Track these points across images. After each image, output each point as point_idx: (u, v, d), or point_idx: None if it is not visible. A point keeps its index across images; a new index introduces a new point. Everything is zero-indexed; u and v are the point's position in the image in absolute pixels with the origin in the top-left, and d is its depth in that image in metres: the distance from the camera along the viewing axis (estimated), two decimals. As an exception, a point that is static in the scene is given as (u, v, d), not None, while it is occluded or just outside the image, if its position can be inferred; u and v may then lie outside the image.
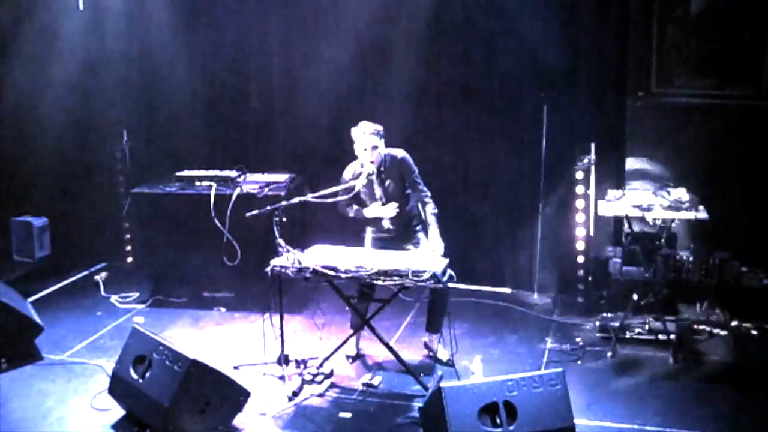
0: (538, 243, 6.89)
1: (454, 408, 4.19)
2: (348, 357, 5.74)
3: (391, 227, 5.60)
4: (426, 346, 5.76)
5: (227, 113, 7.62)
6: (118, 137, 7.58)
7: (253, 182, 6.70)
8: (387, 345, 5.48)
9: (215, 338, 6.18)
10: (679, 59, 6.49)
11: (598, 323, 6.14)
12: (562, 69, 6.60)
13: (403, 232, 5.64)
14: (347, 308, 5.66)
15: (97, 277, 7.37)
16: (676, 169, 6.55)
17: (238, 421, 4.82)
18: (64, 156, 7.84)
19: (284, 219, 5.40)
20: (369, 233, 5.72)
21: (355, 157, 5.60)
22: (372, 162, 5.47)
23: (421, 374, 5.38)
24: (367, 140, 5.44)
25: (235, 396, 4.77)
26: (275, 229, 5.23)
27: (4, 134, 7.73)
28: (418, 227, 5.70)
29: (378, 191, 5.56)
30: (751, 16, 6.25)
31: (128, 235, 7.72)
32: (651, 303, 5.95)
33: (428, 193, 5.61)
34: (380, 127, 5.50)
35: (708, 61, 6.42)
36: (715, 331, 6.03)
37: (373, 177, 5.50)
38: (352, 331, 5.66)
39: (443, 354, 5.63)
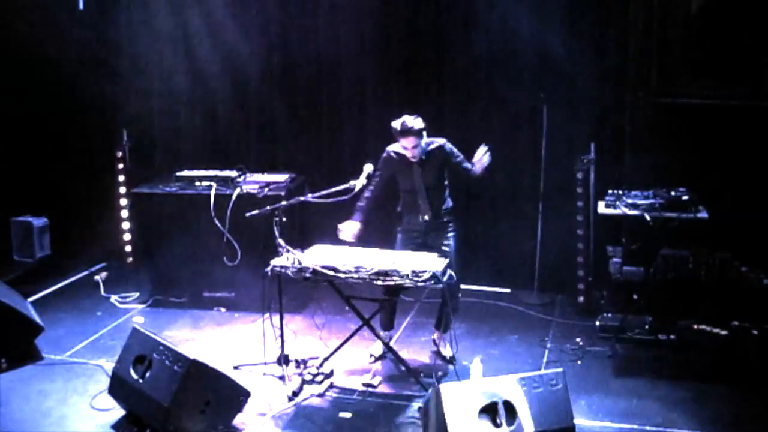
0: (538, 243, 6.88)
1: (454, 408, 4.20)
2: (371, 356, 5.74)
3: (426, 219, 5.56)
4: (434, 341, 5.83)
5: (227, 113, 7.62)
6: (118, 137, 7.58)
7: (253, 182, 6.69)
8: (387, 345, 5.49)
9: (215, 338, 6.18)
10: (679, 59, 6.48)
11: (598, 323, 6.14)
12: (562, 69, 6.61)
13: (437, 224, 5.57)
14: (347, 308, 5.65)
15: (97, 277, 7.37)
16: (676, 169, 6.54)
17: (238, 421, 4.82)
18: (64, 156, 7.83)
19: (284, 219, 5.40)
20: (402, 228, 5.66)
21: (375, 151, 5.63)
22: (413, 157, 5.44)
23: (421, 374, 5.38)
24: (408, 137, 5.37)
25: (235, 396, 4.77)
26: (275, 229, 5.23)
27: (4, 134, 7.73)
28: (450, 223, 5.64)
29: (417, 180, 5.53)
30: (751, 16, 6.24)
31: (128, 235, 7.72)
32: (651, 303, 5.94)
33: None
34: (420, 125, 5.36)
35: (708, 61, 6.41)
36: (715, 331, 6.02)
37: (414, 165, 5.48)
38: (358, 330, 5.59)
39: (447, 351, 5.66)
